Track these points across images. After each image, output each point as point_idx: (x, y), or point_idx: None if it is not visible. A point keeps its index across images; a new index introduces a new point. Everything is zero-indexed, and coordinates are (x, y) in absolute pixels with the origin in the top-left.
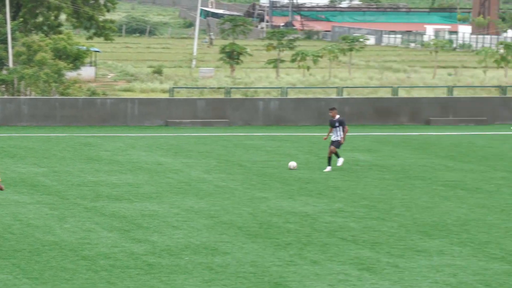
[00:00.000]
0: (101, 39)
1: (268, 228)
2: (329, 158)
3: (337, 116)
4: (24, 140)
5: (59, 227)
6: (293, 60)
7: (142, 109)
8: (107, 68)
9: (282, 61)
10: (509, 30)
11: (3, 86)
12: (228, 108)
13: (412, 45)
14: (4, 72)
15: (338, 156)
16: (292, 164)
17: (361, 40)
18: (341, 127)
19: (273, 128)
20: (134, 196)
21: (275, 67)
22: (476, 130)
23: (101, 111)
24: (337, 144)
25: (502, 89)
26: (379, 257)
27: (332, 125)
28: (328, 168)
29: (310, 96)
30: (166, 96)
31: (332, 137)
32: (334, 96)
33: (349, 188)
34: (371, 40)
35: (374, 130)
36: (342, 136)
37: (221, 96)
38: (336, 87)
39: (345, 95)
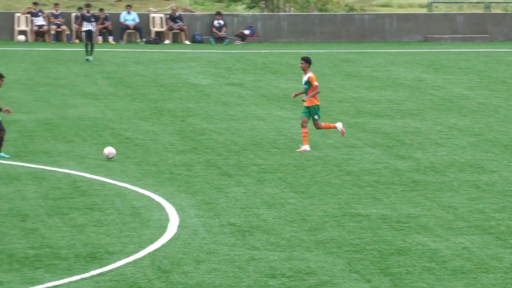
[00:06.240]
0: None
1: None
2: None
3: None
4: (285, 56)
5: (322, 142)
6: None
7: (401, 24)
8: None
9: None
10: None
11: (263, 2)
12: (488, 24)
13: None
14: None
15: None
16: (110, 152)
17: None
18: None
19: None
20: (396, 113)
21: None
22: None
23: (360, 27)
24: None
25: None
26: None
27: None
28: None
29: None
30: (424, 11)
31: None
32: None
33: None
34: None
35: None
36: None
37: (481, 11)
38: None
39: None
